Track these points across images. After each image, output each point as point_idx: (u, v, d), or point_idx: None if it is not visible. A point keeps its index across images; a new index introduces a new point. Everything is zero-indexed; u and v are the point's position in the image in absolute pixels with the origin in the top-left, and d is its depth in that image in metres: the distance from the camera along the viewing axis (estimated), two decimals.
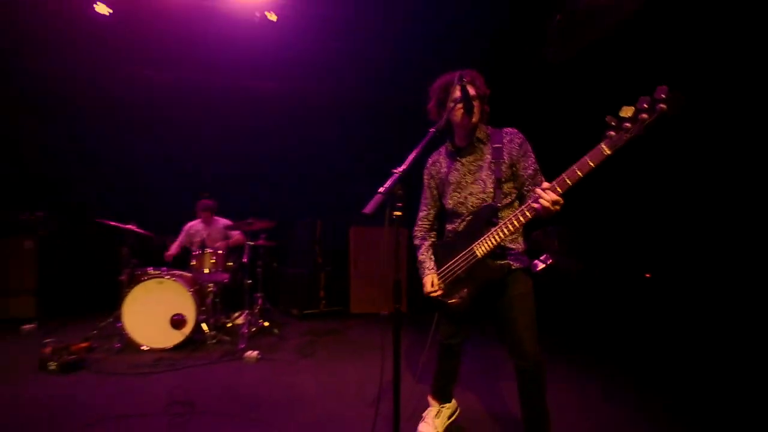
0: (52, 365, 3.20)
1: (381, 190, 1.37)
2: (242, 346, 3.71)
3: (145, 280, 3.79)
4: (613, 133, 1.48)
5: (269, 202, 5.51)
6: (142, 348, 3.69)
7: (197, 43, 5.29)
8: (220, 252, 4.11)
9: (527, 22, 4.86)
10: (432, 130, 1.69)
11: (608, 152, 1.49)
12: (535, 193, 1.61)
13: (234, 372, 3.26)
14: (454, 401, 2.36)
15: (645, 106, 1.43)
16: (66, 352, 3.30)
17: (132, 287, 3.78)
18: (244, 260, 3.96)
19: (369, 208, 1.33)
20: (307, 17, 5.06)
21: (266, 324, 4.35)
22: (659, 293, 4.51)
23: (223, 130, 5.91)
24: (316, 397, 2.81)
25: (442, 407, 2.22)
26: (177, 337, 3.73)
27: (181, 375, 3.18)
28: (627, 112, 1.46)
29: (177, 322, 3.76)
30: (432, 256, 2.08)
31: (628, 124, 1.45)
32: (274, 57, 5.50)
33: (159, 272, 4.04)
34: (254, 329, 4.20)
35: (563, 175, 1.59)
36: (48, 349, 3.28)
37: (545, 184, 1.61)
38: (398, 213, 1.39)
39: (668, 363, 3.56)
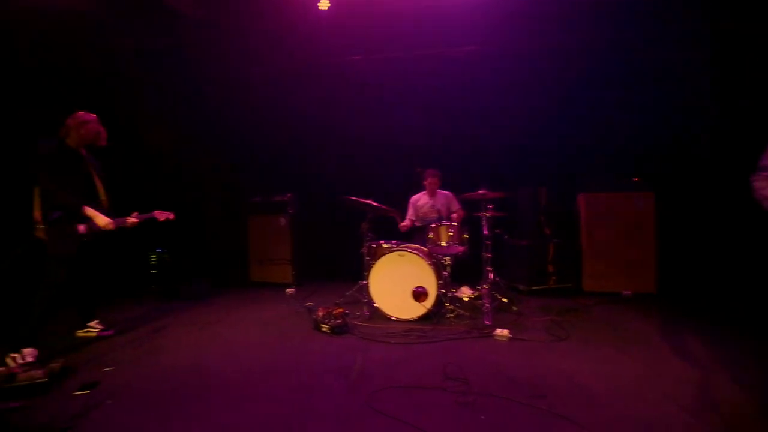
0: (325, 327, 3.58)
1: None
2: (488, 323, 3.53)
3: (387, 253, 3.94)
4: None
5: (487, 170, 5.19)
6: (390, 318, 3.86)
7: (402, 21, 5.25)
8: (456, 224, 3.99)
9: None
10: None
11: None
12: None
13: (490, 350, 3.08)
14: None
15: None
16: (332, 317, 3.65)
17: (375, 260, 3.98)
18: (485, 232, 3.73)
19: None
20: None
21: (504, 300, 4.10)
22: None
23: (432, 103, 5.81)
24: (606, 390, 2.37)
25: None
26: (419, 309, 3.78)
27: (437, 348, 3.15)
28: None
29: (418, 294, 3.80)
30: None
31: None
32: (482, 18, 5.07)
33: (391, 245, 4.18)
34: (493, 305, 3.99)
35: None
36: (320, 313, 3.69)
37: None
38: None
39: None
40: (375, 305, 3.94)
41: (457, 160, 5.45)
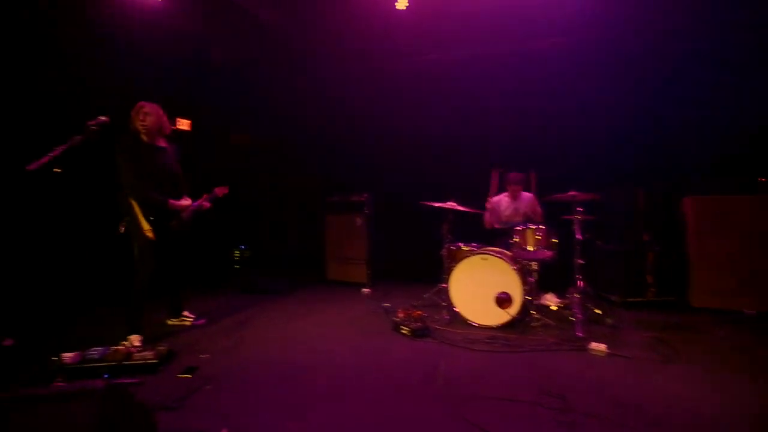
0: (405, 329, 3.52)
1: None
2: (581, 335, 3.26)
3: (467, 256, 3.80)
4: None
5: (576, 170, 4.82)
6: (471, 323, 3.71)
7: (481, 17, 5.07)
8: (544, 227, 3.75)
9: None
10: None
11: None
12: None
13: (586, 365, 2.82)
14: None
15: None
16: (412, 319, 3.59)
17: (455, 263, 3.86)
18: (577, 237, 3.45)
19: None
20: None
21: (598, 311, 3.77)
22: None
23: (515, 99, 5.56)
24: (734, 425, 2.05)
25: None
26: (503, 316, 3.59)
27: (525, 358, 2.96)
28: None
29: (502, 300, 3.61)
30: None
31: None
32: (567, 6, 4.73)
33: (471, 248, 4.04)
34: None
35: None
36: (400, 315, 3.66)
37: None
38: None
39: None
40: (455, 310, 3.81)
41: (543, 160, 5.14)
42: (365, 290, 5.32)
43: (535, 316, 3.63)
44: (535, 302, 3.74)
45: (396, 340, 3.42)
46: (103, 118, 2.64)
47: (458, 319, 3.82)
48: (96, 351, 2.80)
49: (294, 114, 6.60)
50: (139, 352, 2.82)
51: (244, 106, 6.41)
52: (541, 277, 4.03)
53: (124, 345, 3.11)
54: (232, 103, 6.27)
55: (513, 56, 5.46)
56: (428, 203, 4.05)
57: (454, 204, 3.99)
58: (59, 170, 2.44)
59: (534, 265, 3.84)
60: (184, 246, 3.71)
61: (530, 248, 3.73)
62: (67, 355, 2.69)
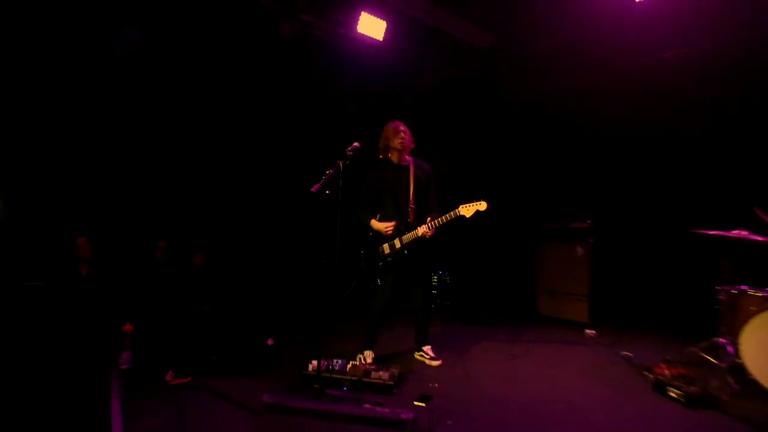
0: (675, 393, 2.72)
1: None
2: None
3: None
4: None
5: None
6: None
7: None
8: None
9: None
10: None
11: None
12: None
13: None
14: None
15: None
16: (684, 379, 2.77)
17: (749, 312, 2.86)
18: None
19: None
20: None
21: None
22: None
23: None
24: None
25: None
26: None
27: None
28: None
29: None
30: None
31: None
32: None
33: (764, 293, 2.95)
34: None
35: None
36: (666, 372, 2.87)
37: None
38: None
39: None
40: (752, 377, 2.78)
41: None
42: (589, 332, 4.52)
43: None
44: None
45: (663, 407, 2.65)
46: (356, 144, 2.85)
47: (754, 390, 2.76)
48: (338, 363, 2.96)
49: (510, 131, 6.34)
50: (375, 371, 2.85)
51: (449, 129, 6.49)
52: None
53: (359, 358, 3.25)
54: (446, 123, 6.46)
55: None
56: (704, 231, 3.14)
57: (747, 233, 2.97)
58: (329, 192, 2.68)
59: None
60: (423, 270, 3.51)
61: None
62: (314, 363, 2.87)
